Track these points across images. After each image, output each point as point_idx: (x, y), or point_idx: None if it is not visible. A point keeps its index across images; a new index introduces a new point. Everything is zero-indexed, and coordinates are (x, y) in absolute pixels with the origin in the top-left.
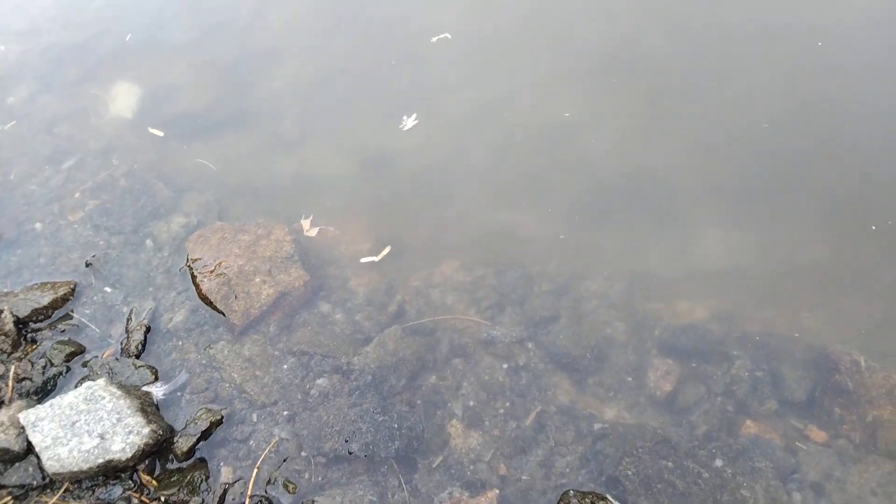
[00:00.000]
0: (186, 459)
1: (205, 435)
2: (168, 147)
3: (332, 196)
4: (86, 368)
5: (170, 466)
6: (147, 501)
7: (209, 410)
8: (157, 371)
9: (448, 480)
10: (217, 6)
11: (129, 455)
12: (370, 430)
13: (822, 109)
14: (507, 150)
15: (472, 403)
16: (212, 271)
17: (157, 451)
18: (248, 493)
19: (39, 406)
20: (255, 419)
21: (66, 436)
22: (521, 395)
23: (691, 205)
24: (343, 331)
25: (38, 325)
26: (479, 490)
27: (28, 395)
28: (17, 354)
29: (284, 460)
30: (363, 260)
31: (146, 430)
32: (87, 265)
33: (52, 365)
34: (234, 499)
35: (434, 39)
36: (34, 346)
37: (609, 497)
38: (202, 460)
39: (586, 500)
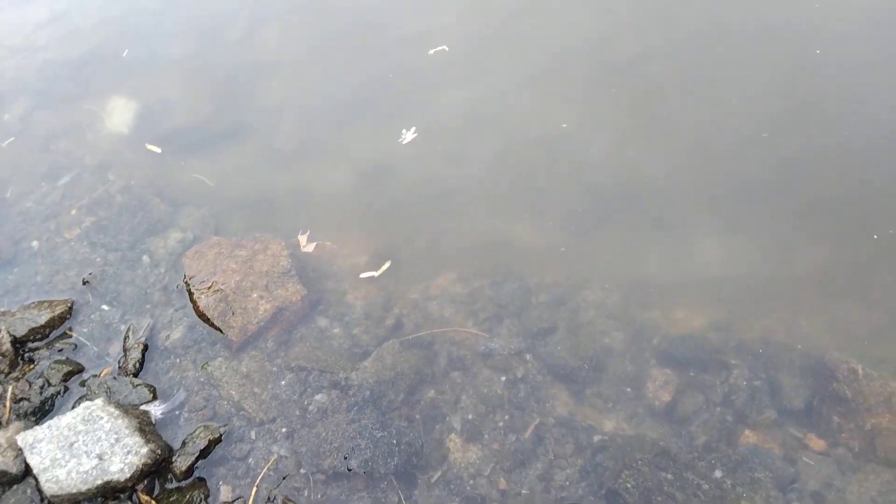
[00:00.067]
0: (185, 478)
1: (203, 453)
2: (164, 162)
3: (328, 210)
4: (84, 388)
5: (169, 486)
6: None
7: (207, 428)
8: (155, 389)
9: (448, 496)
10: (213, 19)
11: (128, 475)
12: (369, 447)
13: (819, 115)
14: (504, 162)
15: (470, 417)
16: (209, 287)
17: (156, 470)
18: None
19: (37, 427)
20: (253, 436)
21: (64, 457)
22: (520, 408)
23: (687, 212)
24: (341, 345)
25: (36, 344)
26: None
27: (26, 415)
28: (14, 374)
29: (284, 478)
30: (363, 275)
31: (145, 450)
32: (84, 283)
33: (49, 385)
34: None
35: (431, 52)
36: (32, 366)
37: None
38: (201, 479)
39: None
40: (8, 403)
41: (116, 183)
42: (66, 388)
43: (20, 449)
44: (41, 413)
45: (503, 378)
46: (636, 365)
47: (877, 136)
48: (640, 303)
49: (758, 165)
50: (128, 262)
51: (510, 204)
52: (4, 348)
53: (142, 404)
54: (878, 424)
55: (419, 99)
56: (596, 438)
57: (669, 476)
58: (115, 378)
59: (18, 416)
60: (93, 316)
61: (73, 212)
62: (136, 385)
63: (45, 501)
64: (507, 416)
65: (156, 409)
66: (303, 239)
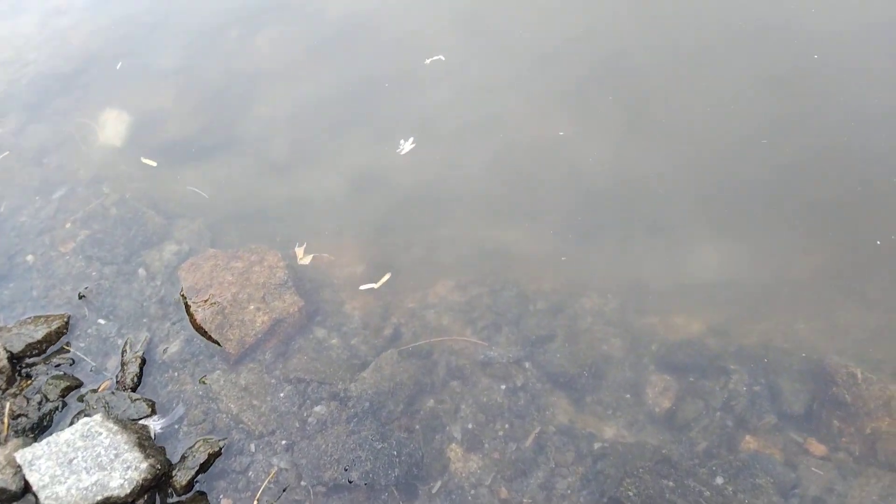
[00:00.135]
0: (186, 493)
1: (203, 467)
2: (158, 174)
3: (325, 219)
4: (82, 403)
5: (169, 501)
6: None
7: (207, 442)
8: (153, 404)
9: None
10: (205, 30)
11: (128, 491)
12: (369, 458)
13: (816, 119)
14: (499, 170)
15: (470, 426)
16: (205, 300)
17: (156, 485)
18: None
19: (36, 444)
20: (253, 449)
21: (63, 474)
22: (520, 416)
23: (684, 217)
24: (339, 356)
25: (33, 359)
26: None
27: (24, 432)
28: (12, 391)
29: (284, 490)
30: (362, 287)
31: (144, 465)
32: (81, 297)
33: (47, 400)
34: None
35: (428, 61)
36: (29, 382)
37: None
38: (202, 493)
39: None
40: (6, 420)
41: (111, 196)
42: (65, 404)
43: (19, 466)
44: (39, 429)
45: (503, 386)
46: (635, 371)
47: (874, 139)
48: (638, 309)
49: (755, 169)
50: (123, 275)
51: (507, 211)
52: (1, 364)
53: (141, 419)
54: (878, 428)
55: (416, 108)
56: (597, 446)
57: (671, 483)
58: (113, 393)
59: (17, 433)
60: (90, 330)
61: (68, 225)
62: (135, 399)
63: None
64: (507, 425)
65: (155, 424)
66: (300, 251)
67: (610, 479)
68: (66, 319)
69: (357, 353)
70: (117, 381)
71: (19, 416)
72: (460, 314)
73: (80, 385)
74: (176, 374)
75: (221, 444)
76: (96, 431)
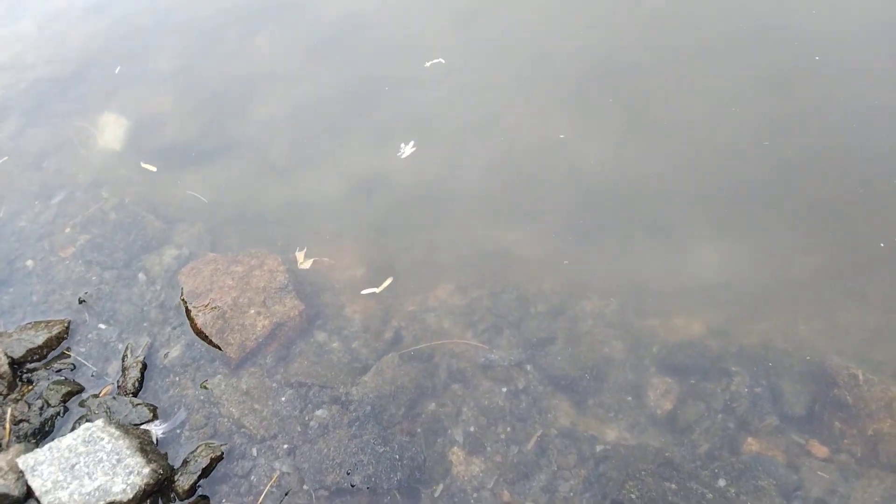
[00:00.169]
0: (188, 497)
1: (205, 472)
2: (157, 178)
3: (324, 223)
4: (83, 408)
5: None
6: None
7: (209, 446)
8: (155, 408)
9: None
10: (203, 34)
11: (131, 496)
12: (371, 462)
13: (816, 120)
14: (499, 172)
15: (472, 429)
16: (206, 304)
17: (159, 490)
18: None
19: (38, 450)
20: (255, 453)
21: (66, 479)
22: (522, 419)
23: (685, 218)
24: (340, 360)
25: (34, 364)
26: None
27: (26, 437)
28: (13, 396)
29: (286, 494)
30: (364, 292)
31: (146, 470)
32: (81, 302)
33: (49, 406)
34: None
35: (428, 64)
36: (30, 387)
37: None
38: (204, 497)
39: None
40: (8, 425)
41: (110, 200)
42: (66, 409)
43: (21, 471)
44: (41, 434)
45: (504, 389)
46: (636, 373)
47: (876, 139)
48: (638, 311)
49: (755, 170)
50: (124, 280)
51: (507, 213)
52: (2, 370)
53: (142, 424)
54: (879, 430)
55: (416, 111)
56: (599, 448)
57: (673, 486)
58: (114, 398)
59: (18, 438)
60: (90, 335)
61: (67, 230)
62: (136, 404)
63: None
64: (508, 428)
65: (157, 429)
66: (300, 256)
67: (612, 482)
68: (66, 325)
69: (358, 357)
70: (118, 386)
71: (21, 421)
72: (461, 317)
73: (81, 390)
74: (177, 378)
75: (223, 448)
76: (98, 437)
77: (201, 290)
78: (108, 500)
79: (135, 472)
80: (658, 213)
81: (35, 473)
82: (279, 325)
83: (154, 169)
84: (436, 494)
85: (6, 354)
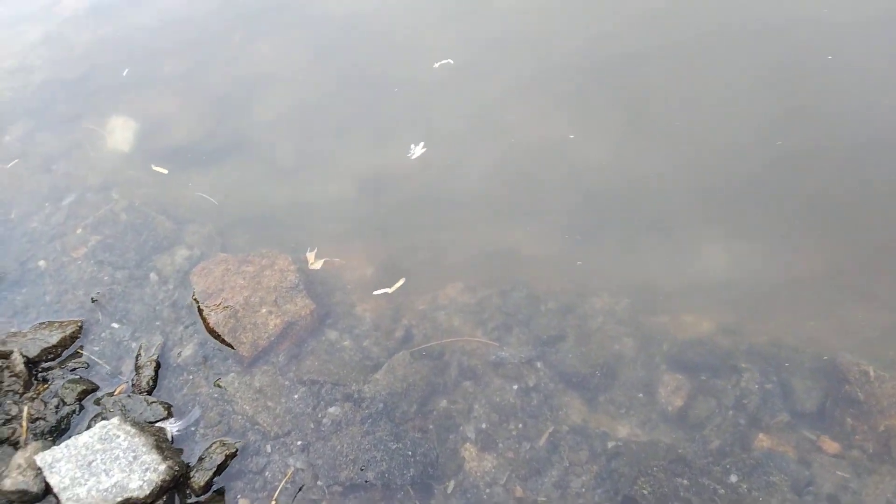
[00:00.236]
0: (204, 493)
1: (220, 468)
2: (167, 179)
3: (334, 222)
4: (98, 406)
5: (188, 501)
6: None
7: (223, 444)
8: (170, 406)
9: None
10: (209, 35)
11: (147, 492)
12: (385, 459)
13: (823, 116)
14: (507, 171)
15: (484, 426)
16: (218, 304)
17: (175, 486)
18: None
19: (55, 447)
20: (269, 450)
21: (83, 476)
22: (533, 416)
23: (693, 217)
24: (352, 358)
25: (49, 364)
26: None
27: (43, 435)
28: (29, 394)
29: (300, 489)
30: (376, 292)
31: (162, 467)
32: (93, 301)
33: (64, 404)
34: None
35: (437, 65)
36: (46, 386)
37: None
38: (219, 493)
39: None
40: (25, 423)
41: (120, 201)
42: (82, 407)
43: (39, 468)
44: (58, 432)
45: (515, 386)
46: (647, 370)
47: (883, 135)
48: (648, 308)
49: (765, 168)
50: (136, 279)
51: (515, 213)
52: (18, 369)
53: (157, 421)
54: (891, 426)
55: (425, 111)
56: (610, 445)
57: (685, 482)
58: (129, 396)
59: (35, 436)
60: (103, 334)
61: (79, 231)
62: (151, 402)
63: None
64: (520, 425)
65: (172, 426)
66: (311, 256)
67: (624, 478)
68: (79, 324)
69: (369, 355)
70: (133, 385)
71: (37, 419)
72: (471, 315)
73: (96, 389)
74: (191, 377)
75: (238, 445)
76: (114, 434)
77: (213, 289)
78: (126, 496)
79: (151, 469)
80: (667, 211)
81: (53, 470)
82: (291, 324)
83: (165, 171)
84: (448, 490)
85: (21, 353)
